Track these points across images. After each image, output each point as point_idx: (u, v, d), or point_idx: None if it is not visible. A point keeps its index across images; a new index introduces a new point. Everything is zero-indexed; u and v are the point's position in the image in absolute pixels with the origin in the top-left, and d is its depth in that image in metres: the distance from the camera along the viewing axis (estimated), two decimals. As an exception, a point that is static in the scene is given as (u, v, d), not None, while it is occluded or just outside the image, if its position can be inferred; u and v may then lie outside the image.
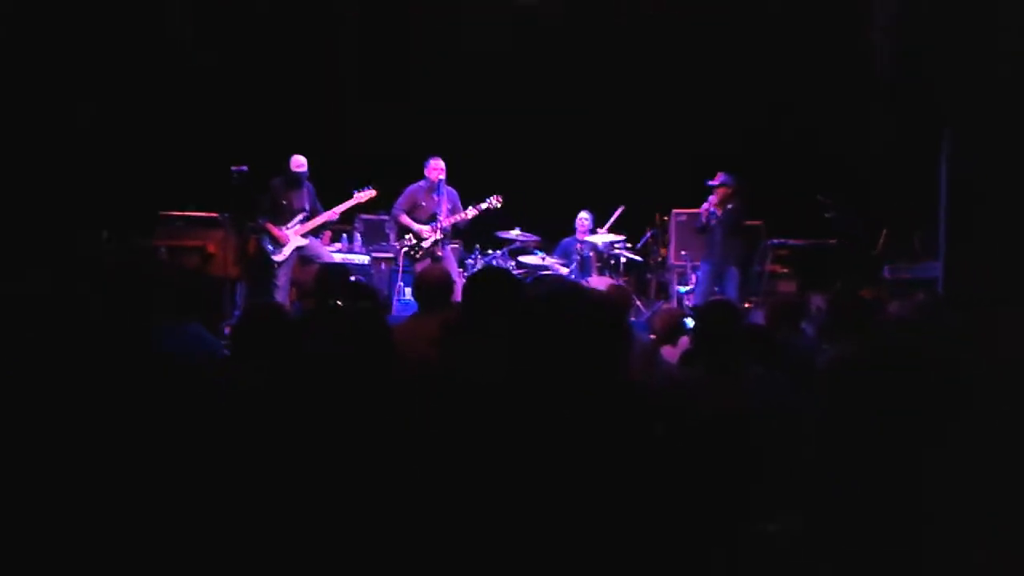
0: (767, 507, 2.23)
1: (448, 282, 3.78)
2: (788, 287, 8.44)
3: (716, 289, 7.95)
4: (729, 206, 7.97)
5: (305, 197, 7.74)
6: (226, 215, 7.93)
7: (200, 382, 2.65)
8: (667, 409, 2.96)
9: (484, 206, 7.80)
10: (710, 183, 8.02)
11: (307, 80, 9.76)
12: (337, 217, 7.94)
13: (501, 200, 7.80)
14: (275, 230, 7.61)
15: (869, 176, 8.18)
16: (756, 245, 8.86)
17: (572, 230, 9.02)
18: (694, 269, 8.58)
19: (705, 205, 8.03)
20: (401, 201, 7.80)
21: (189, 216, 8.09)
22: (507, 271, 3.70)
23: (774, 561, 1.99)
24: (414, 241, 7.74)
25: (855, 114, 8.51)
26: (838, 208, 8.18)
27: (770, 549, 1.99)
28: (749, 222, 8.46)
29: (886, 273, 7.65)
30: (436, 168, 7.70)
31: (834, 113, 8.68)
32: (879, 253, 7.94)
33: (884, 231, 7.96)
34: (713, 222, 7.97)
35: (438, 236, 7.68)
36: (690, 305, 8.01)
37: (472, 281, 3.32)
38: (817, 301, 6.46)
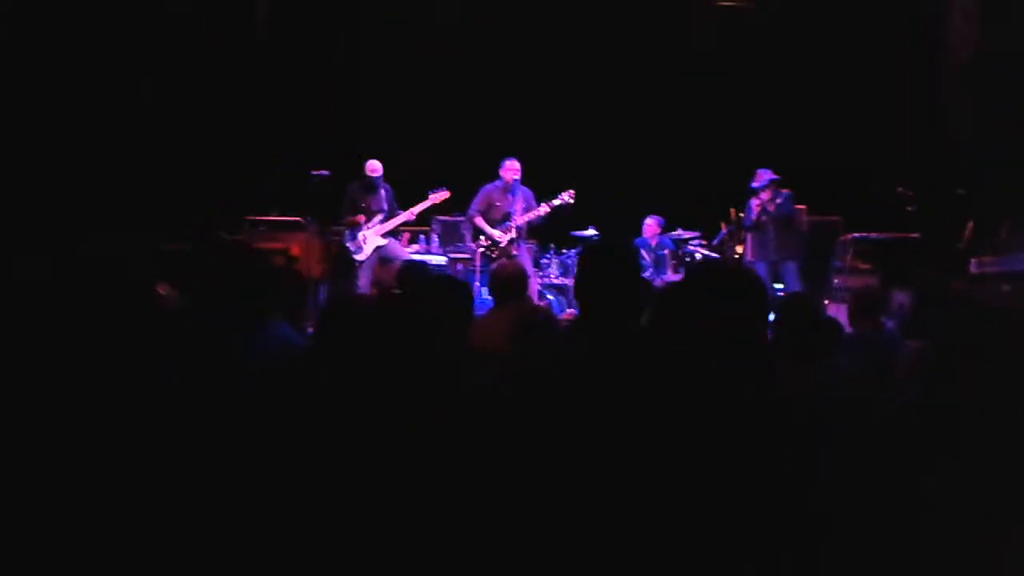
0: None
1: (522, 275, 3.83)
2: (868, 283, 8.26)
3: (777, 287, 7.85)
4: (778, 200, 7.89)
5: (383, 199, 7.93)
6: (309, 218, 8.15)
7: (278, 377, 2.73)
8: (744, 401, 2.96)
9: (557, 202, 7.81)
10: (754, 185, 7.96)
11: (381, 82, 9.97)
12: (414, 217, 8.10)
13: (574, 196, 7.82)
14: (353, 217, 7.87)
15: (952, 167, 7.97)
16: (832, 240, 8.73)
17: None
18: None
19: (756, 201, 7.96)
20: (476, 202, 7.88)
21: (272, 220, 8.34)
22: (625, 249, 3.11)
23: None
24: (490, 242, 7.82)
25: (936, 103, 8.30)
26: (920, 201, 7.99)
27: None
28: (824, 217, 8.33)
29: (972, 267, 7.43)
30: (512, 169, 7.76)
31: (915, 102, 8.48)
32: (964, 246, 7.71)
33: (969, 223, 7.73)
34: (764, 218, 7.89)
35: (513, 235, 7.75)
36: None
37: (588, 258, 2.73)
38: (900, 298, 6.32)
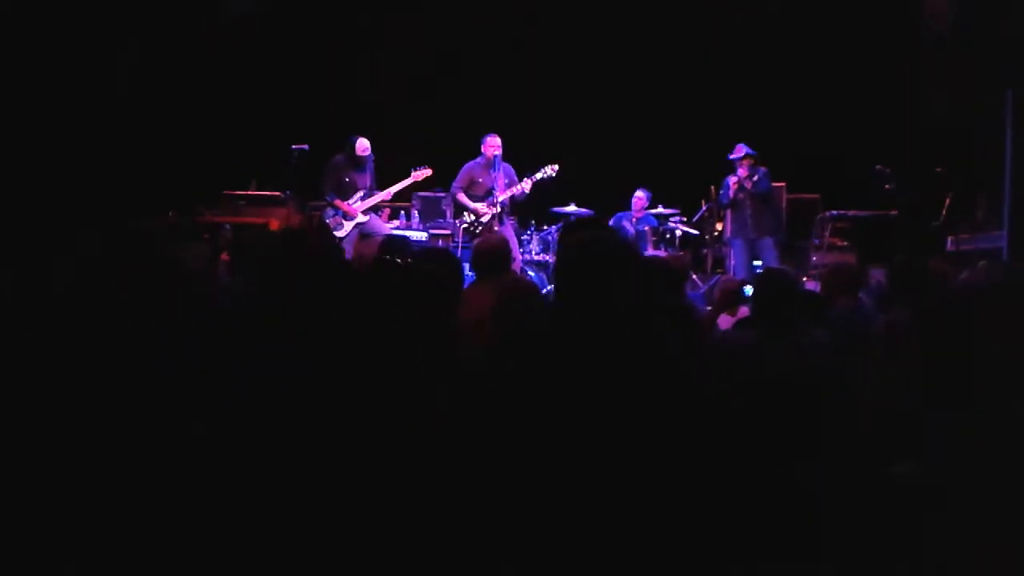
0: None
1: (505, 249, 3.81)
2: (846, 258, 8.33)
3: (755, 264, 7.90)
4: (756, 178, 7.90)
5: (368, 175, 7.90)
6: (288, 193, 8.10)
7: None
8: (717, 371, 2.99)
9: (540, 175, 7.78)
10: (732, 157, 7.95)
11: (363, 58, 9.90)
12: (391, 196, 8.09)
13: (557, 169, 7.79)
14: (344, 205, 7.78)
15: (930, 144, 8.03)
16: (810, 217, 8.79)
17: (627, 205, 9.06)
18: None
19: (733, 178, 7.96)
20: (458, 179, 7.84)
21: (251, 194, 8.29)
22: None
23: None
24: (473, 217, 7.80)
25: (913, 80, 8.36)
26: (897, 179, 8.05)
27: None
28: (802, 194, 8.37)
29: (949, 244, 7.51)
30: (493, 145, 7.73)
31: (892, 80, 8.53)
32: (942, 224, 7.79)
33: (947, 199, 7.80)
34: (742, 196, 7.91)
35: (496, 211, 7.73)
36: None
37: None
38: (877, 275, 6.38)
